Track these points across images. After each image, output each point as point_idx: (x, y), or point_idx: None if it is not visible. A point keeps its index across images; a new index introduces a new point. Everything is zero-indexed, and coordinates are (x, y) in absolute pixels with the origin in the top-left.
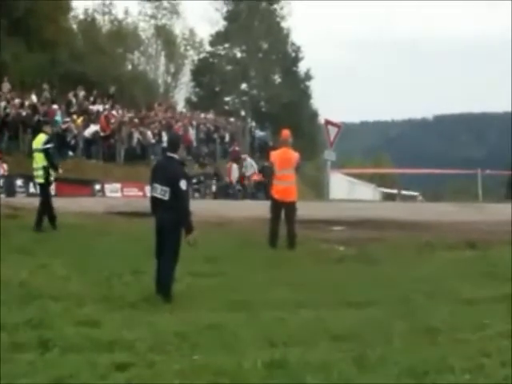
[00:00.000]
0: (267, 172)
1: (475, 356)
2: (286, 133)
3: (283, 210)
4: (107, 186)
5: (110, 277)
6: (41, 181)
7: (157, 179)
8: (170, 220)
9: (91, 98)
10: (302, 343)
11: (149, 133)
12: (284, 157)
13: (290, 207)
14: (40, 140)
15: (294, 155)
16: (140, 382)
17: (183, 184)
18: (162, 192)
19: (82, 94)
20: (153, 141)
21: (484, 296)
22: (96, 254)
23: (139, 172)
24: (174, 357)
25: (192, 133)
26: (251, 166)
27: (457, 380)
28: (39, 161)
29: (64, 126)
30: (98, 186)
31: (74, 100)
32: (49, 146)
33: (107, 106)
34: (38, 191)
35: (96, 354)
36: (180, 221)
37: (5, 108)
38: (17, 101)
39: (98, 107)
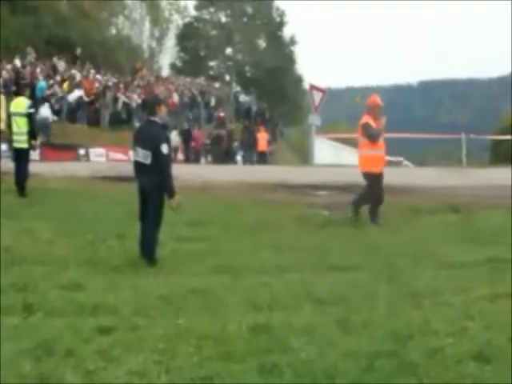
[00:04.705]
0: None
1: (458, 319)
2: (370, 98)
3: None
4: (92, 151)
5: (95, 241)
6: (25, 146)
7: (138, 143)
8: (152, 184)
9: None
10: (286, 307)
11: (135, 96)
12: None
13: (364, 177)
14: (23, 104)
15: (360, 122)
16: (123, 346)
17: (164, 148)
18: (144, 156)
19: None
20: (139, 101)
21: (467, 260)
22: (81, 218)
23: (124, 136)
24: (158, 321)
25: (176, 98)
26: None
27: (440, 343)
28: (22, 125)
29: (49, 92)
30: (82, 151)
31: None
32: (32, 110)
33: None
34: (16, 156)
35: (80, 318)
36: (161, 185)
37: None
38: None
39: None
